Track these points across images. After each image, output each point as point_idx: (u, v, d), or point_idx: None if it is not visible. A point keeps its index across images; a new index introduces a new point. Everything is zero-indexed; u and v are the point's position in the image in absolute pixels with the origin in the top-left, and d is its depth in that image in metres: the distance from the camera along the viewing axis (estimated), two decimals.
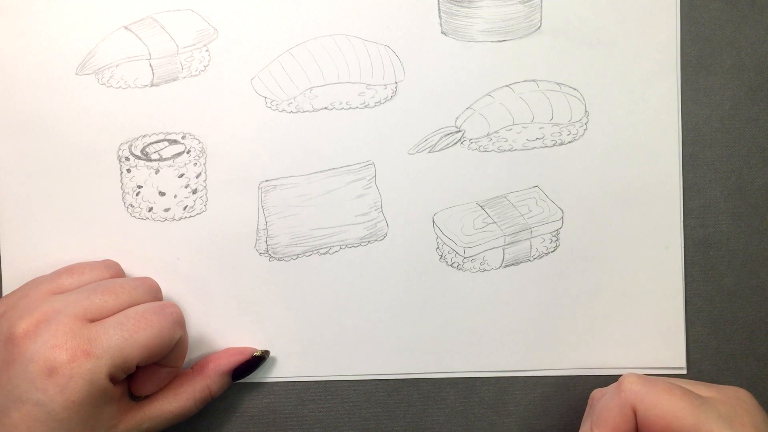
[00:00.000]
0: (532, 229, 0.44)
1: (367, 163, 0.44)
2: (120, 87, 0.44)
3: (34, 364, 0.35)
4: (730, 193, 0.44)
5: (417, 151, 0.44)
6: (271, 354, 0.44)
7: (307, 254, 0.44)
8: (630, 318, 0.44)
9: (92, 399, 0.35)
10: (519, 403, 0.44)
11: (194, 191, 0.44)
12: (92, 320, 0.37)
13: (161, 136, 0.44)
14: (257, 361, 0.43)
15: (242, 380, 0.43)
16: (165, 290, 0.44)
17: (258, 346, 0.44)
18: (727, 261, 0.44)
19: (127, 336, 0.36)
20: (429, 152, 0.44)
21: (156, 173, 0.44)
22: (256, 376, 0.44)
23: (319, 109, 0.44)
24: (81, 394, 0.35)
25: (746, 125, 0.44)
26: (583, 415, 0.40)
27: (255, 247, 0.44)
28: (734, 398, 0.36)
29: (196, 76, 0.44)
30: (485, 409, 0.44)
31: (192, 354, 0.43)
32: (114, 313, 0.38)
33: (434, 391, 0.44)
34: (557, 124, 0.44)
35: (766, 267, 0.44)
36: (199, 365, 0.42)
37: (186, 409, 0.40)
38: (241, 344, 0.44)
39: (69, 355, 0.35)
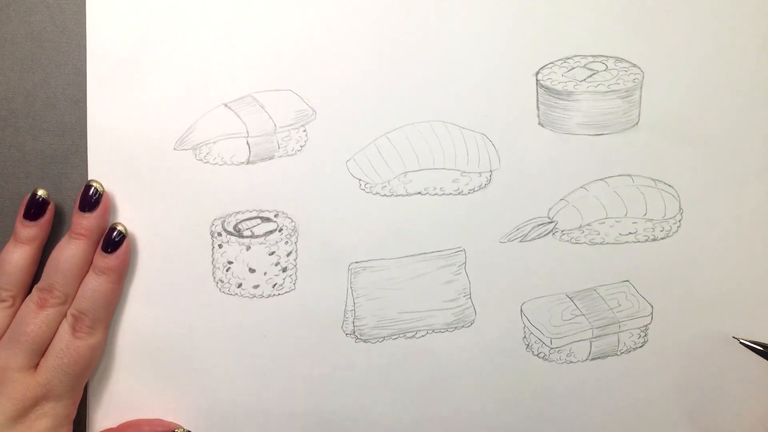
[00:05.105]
0: (621, 324, 0.44)
1: (458, 249, 0.44)
2: (216, 163, 0.44)
3: None
4: None
5: (508, 240, 0.44)
6: None
7: (393, 337, 0.44)
8: (720, 424, 0.43)
9: None
10: None
11: (284, 269, 0.44)
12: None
13: (254, 214, 0.44)
14: None
15: None
16: (250, 366, 0.44)
17: (344, 428, 0.44)
18: None
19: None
20: (520, 242, 0.44)
21: (247, 250, 0.44)
22: None
23: (412, 194, 0.44)
24: None
25: None
26: None
27: (342, 327, 0.44)
28: None
29: (292, 155, 0.44)
30: None
31: None
32: None
33: None
34: (651, 220, 0.44)
35: None
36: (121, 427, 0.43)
37: None
38: (317, 426, 0.44)
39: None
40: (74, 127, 0.43)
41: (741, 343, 0.42)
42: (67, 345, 0.40)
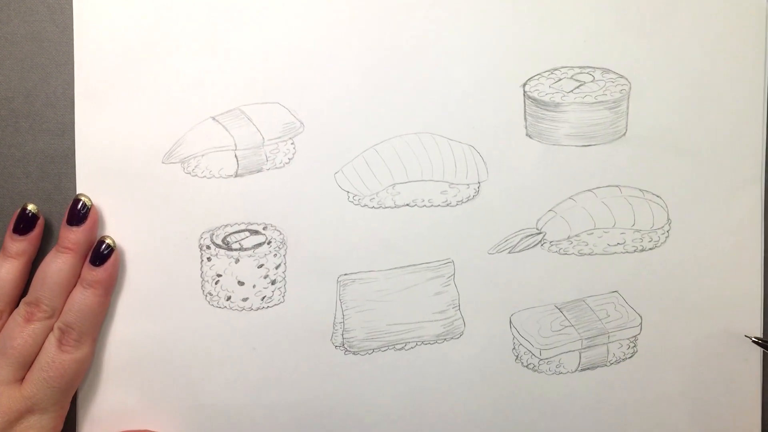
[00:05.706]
0: (610, 334, 0.44)
1: (447, 261, 0.44)
2: (204, 176, 0.44)
3: None
4: None
5: (497, 251, 0.44)
6: None
7: (382, 349, 0.44)
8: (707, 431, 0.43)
9: None
10: None
11: (273, 282, 0.44)
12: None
13: (243, 226, 0.44)
14: None
15: None
16: (239, 379, 0.44)
17: None
18: None
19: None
20: (509, 253, 0.44)
21: (236, 263, 0.44)
22: None
23: (400, 206, 0.44)
24: None
25: None
26: None
27: (331, 340, 0.44)
28: None
29: (280, 168, 0.44)
30: None
31: None
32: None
33: None
34: (639, 231, 0.44)
35: None
36: None
37: None
38: None
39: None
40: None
41: (753, 341, 0.42)
42: (53, 358, 0.40)
